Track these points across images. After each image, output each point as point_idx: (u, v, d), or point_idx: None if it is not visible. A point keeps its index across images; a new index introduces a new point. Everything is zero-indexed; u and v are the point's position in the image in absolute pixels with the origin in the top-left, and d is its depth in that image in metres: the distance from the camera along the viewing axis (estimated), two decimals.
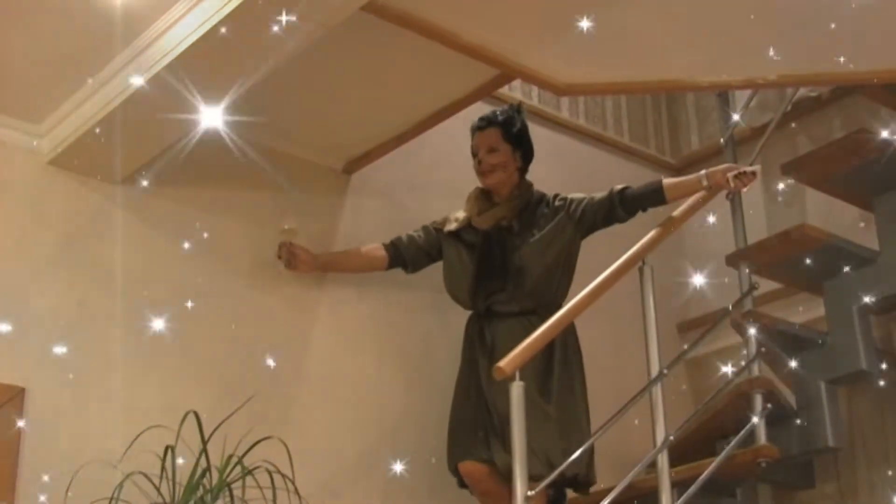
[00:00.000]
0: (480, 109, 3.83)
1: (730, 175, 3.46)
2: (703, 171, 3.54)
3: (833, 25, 3.21)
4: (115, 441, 3.13)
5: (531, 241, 3.63)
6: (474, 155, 3.73)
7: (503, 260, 3.64)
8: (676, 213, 3.62)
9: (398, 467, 3.73)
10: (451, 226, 3.76)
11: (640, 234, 3.54)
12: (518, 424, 3.04)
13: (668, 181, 3.62)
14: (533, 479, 3.09)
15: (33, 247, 3.29)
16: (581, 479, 3.51)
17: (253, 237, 3.71)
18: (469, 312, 3.76)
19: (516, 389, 3.06)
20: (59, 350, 3.24)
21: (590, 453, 3.49)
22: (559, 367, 3.55)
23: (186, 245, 3.55)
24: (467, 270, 3.68)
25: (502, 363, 3.08)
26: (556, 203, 3.70)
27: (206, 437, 3.04)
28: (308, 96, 3.56)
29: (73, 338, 3.28)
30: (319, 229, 3.86)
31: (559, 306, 3.59)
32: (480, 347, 3.64)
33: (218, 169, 3.68)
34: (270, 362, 3.59)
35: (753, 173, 3.47)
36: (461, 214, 3.76)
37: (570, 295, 3.49)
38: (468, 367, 3.67)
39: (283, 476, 3.04)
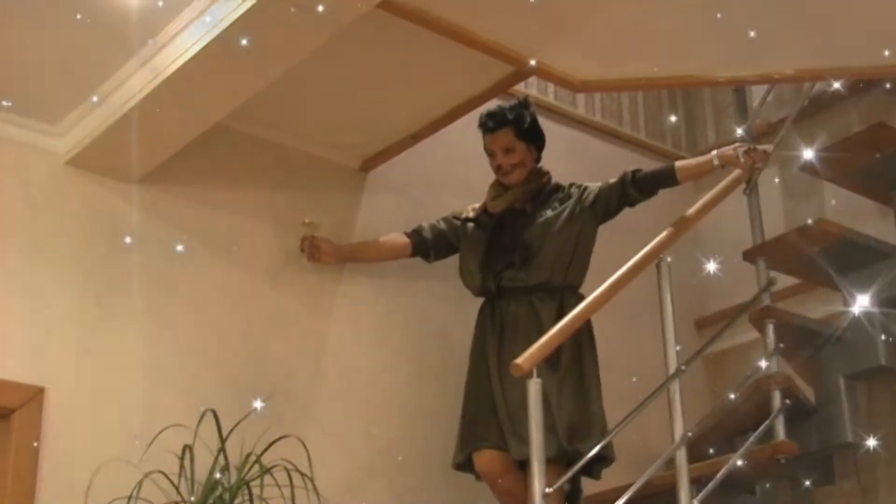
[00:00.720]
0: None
1: (740, 150, 3.46)
2: (714, 152, 3.54)
3: (849, 19, 3.19)
4: (134, 440, 3.14)
5: (541, 221, 3.66)
6: (490, 155, 3.74)
7: (514, 238, 3.67)
8: (694, 208, 3.62)
9: (417, 464, 3.73)
10: (469, 214, 3.81)
11: (657, 229, 3.54)
12: (535, 422, 3.03)
13: (680, 163, 3.68)
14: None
15: (51, 246, 3.30)
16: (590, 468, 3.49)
17: (270, 236, 3.72)
18: (482, 303, 3.76)
19: (534, 387, 3.06)
20: (78, 350, 3.26)
21: (601, 433, 3.45)
22: (569, 348, 3.52)
23: (203, 244, 3.56)
24: (479, 250, 3.71)
25: (520, 360, 3.07)
26: (571, 190, 3.74)
27: (225, 435, 3.05)
28: (324, 95, 3.57)
29: (92, 337, 3.29)
30: (336, 227, 3.86)
31: (575, 291, 3.62)
32: (491, 327, 3.64)
33: (234, 168, 3.69)
34: (288, 360, 3.61)
35: (765, 151, 3.47)
36: (478, 205, 3.81)
37: (588, 290, 3.48)
38: (479, 354, 3.67)
39: (302, 474, 3.04)
